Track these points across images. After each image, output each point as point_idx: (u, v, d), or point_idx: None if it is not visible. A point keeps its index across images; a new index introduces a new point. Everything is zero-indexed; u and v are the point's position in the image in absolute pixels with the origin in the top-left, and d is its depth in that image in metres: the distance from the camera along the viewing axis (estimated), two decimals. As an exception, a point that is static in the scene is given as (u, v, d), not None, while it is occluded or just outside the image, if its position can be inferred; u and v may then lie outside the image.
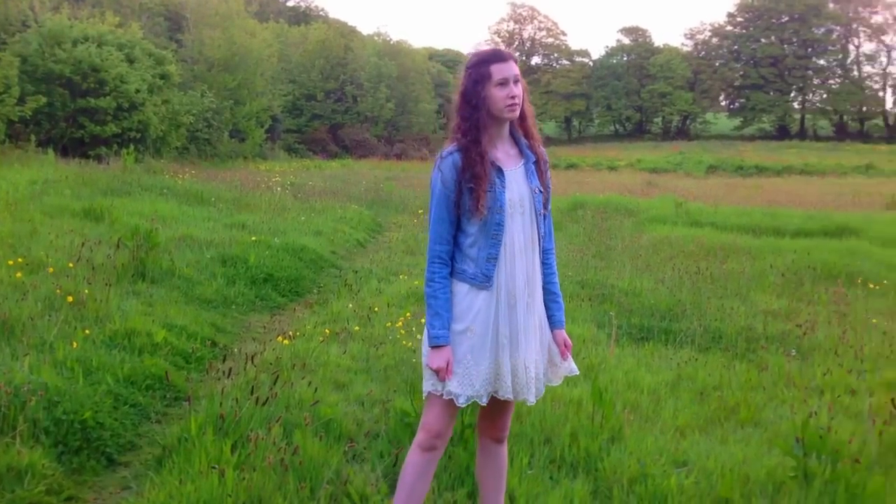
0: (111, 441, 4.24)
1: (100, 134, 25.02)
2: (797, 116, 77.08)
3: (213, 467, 3.63)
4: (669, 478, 3.94)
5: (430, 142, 56.64)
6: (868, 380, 5.83)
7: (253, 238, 10.06)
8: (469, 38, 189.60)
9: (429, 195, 3.04)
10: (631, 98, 77.11)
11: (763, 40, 76.27)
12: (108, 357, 5.12)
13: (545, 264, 3.18)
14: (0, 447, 3.72)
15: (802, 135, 73.06)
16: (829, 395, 5.54)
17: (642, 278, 9.71)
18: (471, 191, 2.93)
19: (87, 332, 5.45)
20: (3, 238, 8.19)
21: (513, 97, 2.95)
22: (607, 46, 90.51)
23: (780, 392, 5.65)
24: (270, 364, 5.53)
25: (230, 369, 4.76)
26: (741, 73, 77.23)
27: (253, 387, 4.45)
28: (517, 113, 3.00)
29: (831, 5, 75.36)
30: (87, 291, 6.21)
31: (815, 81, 76.85)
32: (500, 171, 3.00)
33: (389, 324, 7.00)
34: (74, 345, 5.11)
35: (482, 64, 2.97)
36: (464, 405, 2.98)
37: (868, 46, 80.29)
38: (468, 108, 2.98)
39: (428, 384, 3.01)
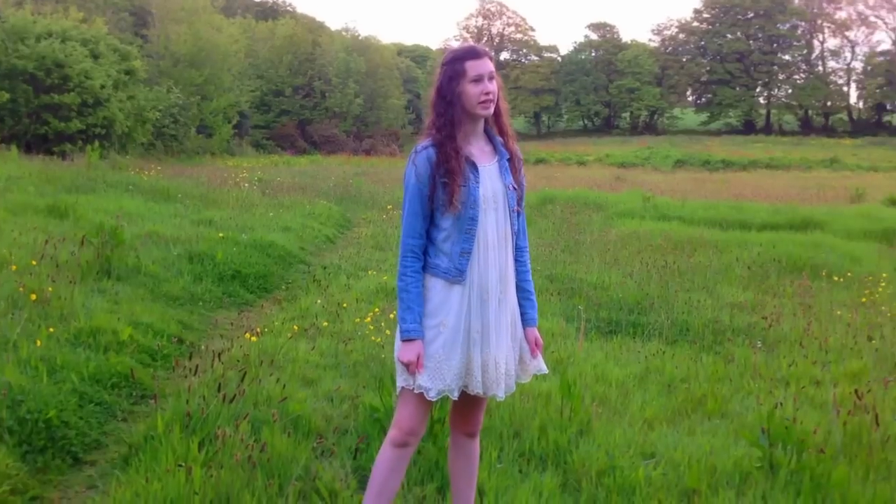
0: (76, 440, 4.19)
1: (64, 130, 24.75)
2: (763, 111, 78.03)
3: (180, 465, 3.60)
4: (637, 470, 3.97)
5: (400, 137, 56.72)
6: (832, 371, 5.92)
7: (220, 234, 9.97)
8: (438, 34, 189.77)
9: (399, 191, 3.03)
10: (599, 93, 77.55)
11: (729, 36, 77.05)
12: (73, 355, 5.05)
13: (519, 262, 3.19)
14: (-38, 448, 3.66)
15: (768, 129, 73.97)
16: (795, 386, 5.62)
17: (611, 272, 9.77)
18: (445, 185, 2.93)
19: (51, 330, 5.37)
20: (-36, 236, 8.05)
21: (487, 94, 2.96)
22: (575, 42, 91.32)
23: (746, 383, 5.72)
24: (238, 361, 5.49)
25: (197, 367, 4.71)
26: (708, 68, 78.00)
27: (220, 384, 4.41)
28: (491, 110, 3.01)
29: (796, 1, 76.43)
30: (51, 289, 6.11)
31: (781, 77, 77.85)
32: (474, 166, 3.00)
33: (358, 319, 6.99)
34: (38, 343, 5.03)
35: (457, 60, 2.98)
36: (435, 399, 2.98)
37: (832, 42, 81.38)
38: (443, 103, 2.98)
39: (401, 379, 3.01)
